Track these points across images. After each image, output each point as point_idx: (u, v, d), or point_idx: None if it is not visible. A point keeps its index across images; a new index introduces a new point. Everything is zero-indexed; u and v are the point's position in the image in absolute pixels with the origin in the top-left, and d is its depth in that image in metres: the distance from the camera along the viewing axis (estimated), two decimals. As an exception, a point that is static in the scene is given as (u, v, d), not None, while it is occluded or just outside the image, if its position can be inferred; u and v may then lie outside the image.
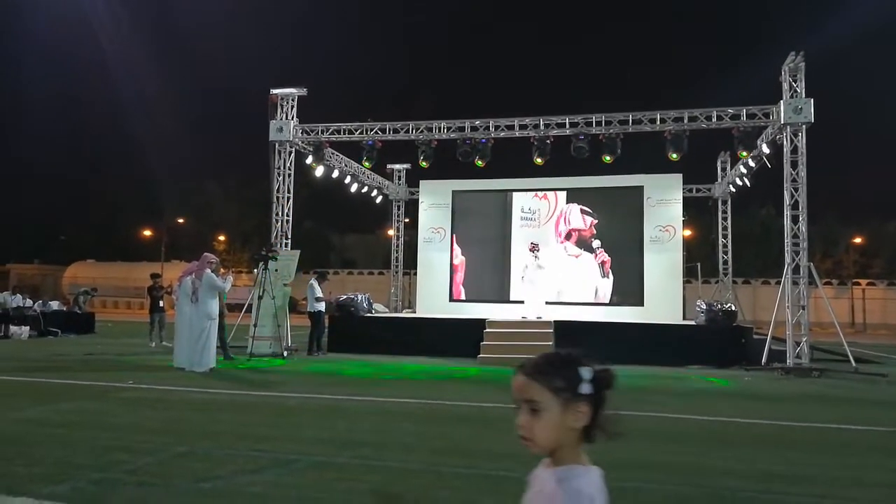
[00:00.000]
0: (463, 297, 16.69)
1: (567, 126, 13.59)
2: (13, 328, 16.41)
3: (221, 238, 47.10)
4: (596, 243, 16.08)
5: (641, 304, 15.42)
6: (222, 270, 10.90)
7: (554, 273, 15.93)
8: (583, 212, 16.28)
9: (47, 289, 32.04)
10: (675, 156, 13.10)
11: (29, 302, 18.40)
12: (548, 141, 13.71)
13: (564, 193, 16.48)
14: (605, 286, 15.89)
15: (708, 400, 8.39)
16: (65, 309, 19.83)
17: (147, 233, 47.51)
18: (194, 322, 10.19)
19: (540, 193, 16.63)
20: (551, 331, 12.81)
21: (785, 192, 12.03)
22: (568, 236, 16.29)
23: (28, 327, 16.78)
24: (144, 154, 68.70)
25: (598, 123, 13.39)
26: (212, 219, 48.39)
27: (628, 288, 15.71)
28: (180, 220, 47.20)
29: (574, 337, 12.70)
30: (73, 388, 8.28)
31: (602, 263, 16.00)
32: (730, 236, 18.43)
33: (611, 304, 15.66)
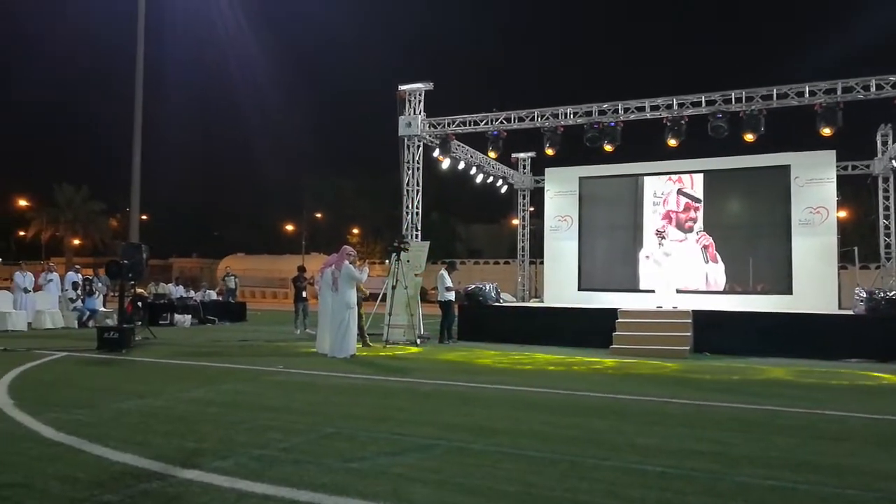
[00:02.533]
0: (592, 285, 16.34)
1: (703, 104, 12.87)
2: (177, 316, 18.16)
3: (355, 231, 49.33)
4: (698, 227, 15.23)
5: (790, 292, 14.30)
6: (359, 262, 11.41)
7: (673, 261, 15.23)
8: (685, 195, 15.46)
9: (205, 280, 35.13)
10: (827, 131, 12.02)
11: (191, 292, 20.28)
12: (682, 121, 13.06)
13: (701, 176, 15.63)
14: (716, 272, 15.01)
15: (872, 397, 7.66)
16: (219, 298, 21.67)
17: (289, 227, 50.72)
18: (335, 311, 10.77)
19: (674, 177, 15.89)
20: (689, 321, 12.24)
21: (963, 165, 10.69)
22: (672, 221, 15.57)
23: (190, 316, 18.50)
24: (285, 155, 73.29)
25: (738, 100, 12.56)
26: (346, 213, 50.77)
27: (774, 275, 14.65)
28: (318, 215, 49.95)
29: (715, 328, 12.08)
30: (231, 371, 9.04)
31: (705, 248, 15.10)
32: (893, 217, 16.65)
33: (754, 292, 14.68)
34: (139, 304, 16.37)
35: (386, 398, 7.02)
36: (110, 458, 4.38)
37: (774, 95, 12.39)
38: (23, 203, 51.42)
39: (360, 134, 78.38)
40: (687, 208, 15.58)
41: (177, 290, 19.92)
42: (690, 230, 15.48)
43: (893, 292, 12.11)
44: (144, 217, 30.02)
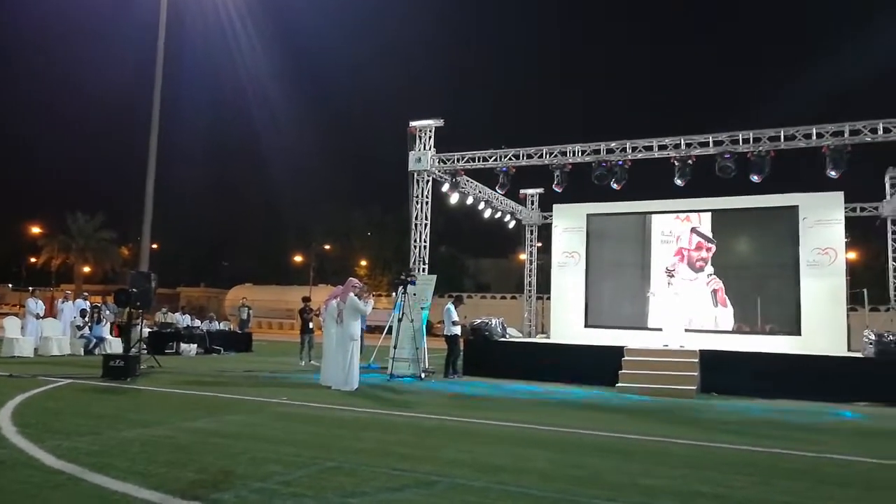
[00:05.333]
0: (599, 322, 16.27)
1: (711, 145, 12.97)
2: (183, 345, 18.18)
3: (363, 263, 49.47)
4: (709, 269, 15.20)
5: (798, 333, 14.17)
6: (365, 294, 11.45)
7: (689, 299, 15.18)
8: (699, 234, 15.46)
9: (212, 310, 35.23)
10: (834, 173, 12.07)
11: (196, 322, 20.33)
12: (689, 161, 13.15)
13: (709, 215, 15.65)
14: (724, 315, 14.92)
15: (879, 440, 7.55)
16: (231, 328, 21.75)
17: (298, 258, 50.94)
18: (340, 343, 10.78)
19: (682, 215, 15.93)
20: (696, 360, 12.15)
21: (971, 209, 10.68)
22: (684, 259, 15.55)
23: (195, 345, 18.52)
24: (296, 186, 74.03)
25: (746, 141, 12.66)
26: (354, 245, 51.02)
27: (782, 316, 14.55)
28: (327, 247, 50.18)
29: (722, 368, 11.98)
30: (235, 401, 9.02)
31: (714, 291, 15.04)
32: (903, 259, 16.57)
33: (762, 333, 14.57)
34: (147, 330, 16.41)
35: (388, 432, 6.98)
36: (111, 487, 4.38)
37: (782, 137, 12.49)
38: (35, 230, 51.99)
39: (370, 168, 79.32)
40: (699, 247, 15.57)
41: (183, 320, 19.98)
42: (701, 269, 15.43)
43: (903, 335, 12.00)
44: (155, 246, 30.26)
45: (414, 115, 15.12)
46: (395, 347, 13.11)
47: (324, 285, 41.07)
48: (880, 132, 11.76)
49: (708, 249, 15.45)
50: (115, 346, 16.27)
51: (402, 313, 13.08)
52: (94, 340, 16.87)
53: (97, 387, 10.23)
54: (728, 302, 15.03)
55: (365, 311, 11.15)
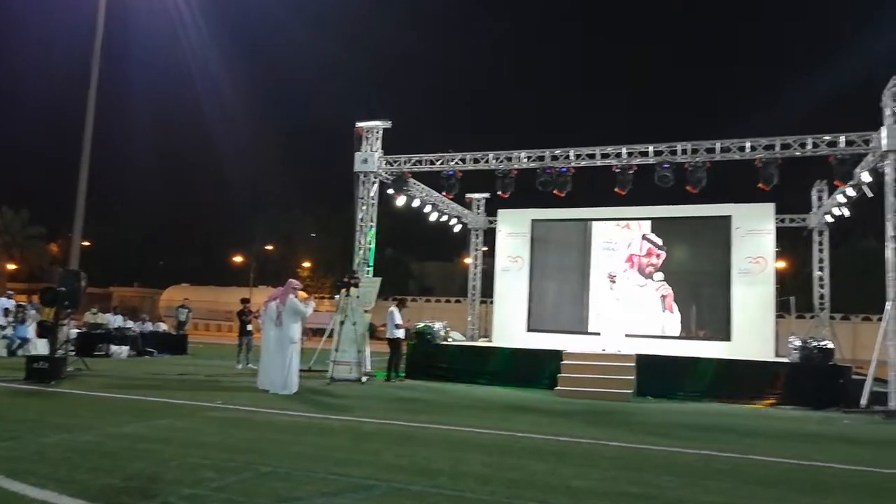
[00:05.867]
0: (540, 327, 16.49)
1: (651, 154, 13.34)
2: (114, 347, 17.50)
3: (306, 265, 48.74)
4: (658, 276, 15.66)
5: (729, 338, 14.72)
6: (302, 294, 11.29)
7: (630, 305, 15.57)
8: (649, 241, 15.92)
9: (145, 311, 34.06)
10: (765, 185, 12.59)
11: (129, 323, 19.60)
12: (630, 170, 13.49)
13: (648, 223, 16.11)
14: (672, 322, 15.38)
15: (801, 443, 7.90)
16: (168, 330, 21.08)
17: (238, 259, 49.80)
18: (279, 346, 10.58)
19: (622, 223, 16.33)
20: (633, 364, 12.45)
21: (887, 222, 11.30)
22: (634, 265, 15.96)
23: (127, 347, 17.85)
24: (236, 185, 72.31)
25: (684, 152, 13.08)
26: (297, 246, 50.23)
27: (715, 322, 15.08)
28: (269, 248, 49.22)
29: (657, 371, 12.32)
30: (167, 406, 8.73)
31: (663, 297, 15.51)
32: (826, 269, 17.40)
33: (695, 338, 15.06)
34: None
35: (326, 437, 6.89)
36: (30, 494, 4.18)
37: (718, 149, 12.96)
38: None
39: (316, 168, 78.22)
40: (649, 254, 15.97)
41: (115, 320, 19.23)
42: (651, 276, 15.84)
43: (825, 342, 12.62)
44: (87, 243, 29.04)
45: (361, 115, 15.01)
46: (336, 350, 12.95)
47: (264, 287, 40.26)
48: (809, 147, 12.33)
49: (658, 256, 15.87)
50: (40, 347, 15.52)
51: (345, 316, 12.94)
52: (18, 341, 16.05)
53: (20, 390, 9.75)
54: (675, 308, 15.45)
55: (305, 313, 10.99)
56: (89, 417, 7.39)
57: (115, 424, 6.97)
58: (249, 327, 15.92)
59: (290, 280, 11.44)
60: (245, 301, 16.57)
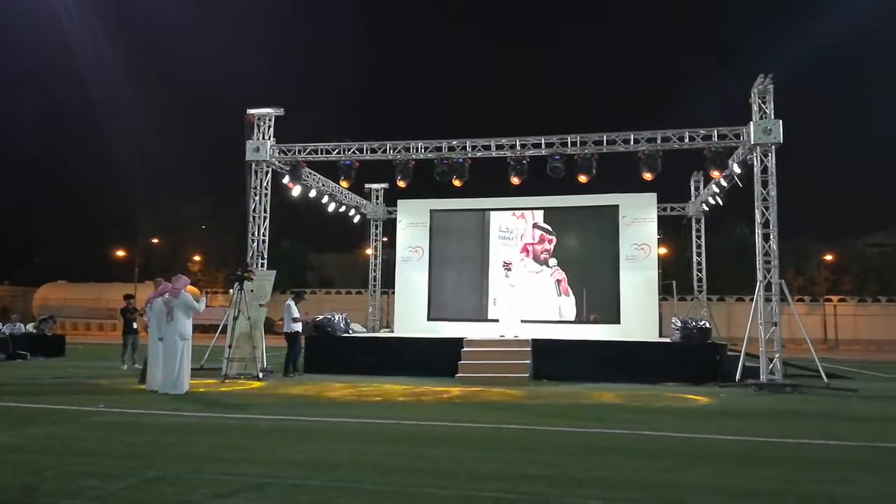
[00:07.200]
0: (441, 315, 16.67)
1: (543, 146, 13.73)
2: (-20, 351, 16.01)
3: (196, 258, 46.57)
4: (552, 261, 16.28)
5: (618, 321, 15.54)
6: (192, 290, 10.80)
7: (525, 291, 16.06)
8: (540, 228, 16.50)
9: (18, 311, 31.39)
10: (648, 175, 13.29)
11: (-2, 324, 17.99)
12: (524, 161, 13.83)
13: (542, 212, 16.65)
14: (567, 304, 16.03)
15: (683, 417, 8.44)
16: (45, 331, 19.44)
17: (120, 253, 46.86)
18: (168, 343, 10.05)
19: (518, 212, 16.77)
20: (529, 349, 12.83)
21: (756, 210, 12.25)
22: (529, 254, 16.51)
23: (-5, 350, 16.38)
24: (118, 174, 67.94)
25: (574, 144, 13.56)
26: (187, 239, 47.85)
27: (605, 306, 15.83)
28: (154, 241, 46.60)
29: (552, 355, 12.77)
30: (42, 412, 8.10)
31: (558, 282, 16.17)
32: (704, 254, 18.66)
33: (587, 322, 15.76)
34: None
35: (219, 436, 6.62)
36: None
37: (604, 141, 13.52)
38: None
39: (205, 157, 74.85)
40: (542, 240, 16.51)
41: (-19, 322, 17.59)
42: (546, 262, 16.36)
43: (703, 322, 13.55)
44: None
45: (252, 102, 14.47)
46: (230, 347, 12.48)
47: (151, 282, 38.19)
48: (686, 140, 13.12)
49: (550, 241, 16.45)
50: None
51: (238, 311, 12.48)
52: None
53: None
54: (570, 292, 16.09)
55: (198, 308, 10.49)
56: (-51, 430, 6.71)
57: (-20, 436, 6.37)
58: (135, 325, 15.03)
59: (179, 275, 10.88)
60: (129, 297, 15.60)
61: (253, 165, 14.36)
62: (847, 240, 45.55)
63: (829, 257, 41.90)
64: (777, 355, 11.70)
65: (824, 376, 11.69)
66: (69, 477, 4.74)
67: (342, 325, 14.79)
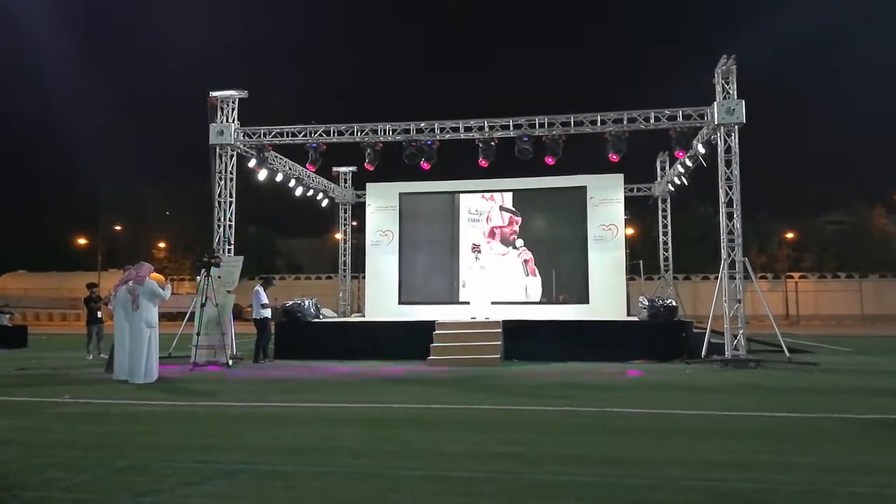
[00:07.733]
0: (412, 299, 16.68)
1: (511, 128, 13.74)
2: (-63, 344, 15.53)
3: (162, 245, 45.74)
4: (519, 242, 16.42)
5: (587, 301, 15.73)
6: (157, 277, 10.62)
7: (494, 273, 16.17)
8: (506, 210, 16.62)
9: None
10: (615, 156, 13.40)
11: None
12: (492, 143, 13.82)
13: (511, 194, 16.70)
14: (534, 284, 16.20)
15: (650, 393, 8.61)
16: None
17: (82, 241, 45.78)
18: (133, 332, 9.87)
19: (487, 195, 16.79)
20: (500, 330, 12.92)
21: (720, 190, 12.46)
22: (493, 235, 16.62)
23: (-46, 343, 15.91)
24: (79, 160, 66.19)
25: (542, 125, 13.59)
26: (151, 225, 46.91)
27: (574, 286, 16.01)
28: (117, 228, 45.60)
29: (522, 336, 12.88)
30: (4, 404, 7.91)
31: (525, 262, 16.32)
32: (670, 234, 18.95)
33: (556, 302, 15.93)
34: None
35: (190, 424, 6.55)
36: None
37: (572, 122, 13.57)
38: None
39: (168, 141, 73.24)
40: (510, 222, 16.60)
41: (-63, 314, 17.05)
42: (513, 243, 16.47)
43: (670, 300, 13.79)
44: None
45: (216, 84, 14.16)
46: (198, 334, 12.32)
47: (115, 270, 37.35)
48: (652, 121, 13.25)
49: (516, 222, 16.55)
50: None
51: (206, 298, 12.32)
52: None
53: None
54: (538, 272, 16.24)
55: (164, 296, 10.31)
56: None
57: (-61, 430, 6.20)
58: (99, 314, 14.72)
59: (143, 262, 10.67)
60: (92, 286, 15.27)
61: (217, 149, 14.11)
62: (807, 217, 46.80)
63: (790, 235, 42.95)
64: (741, 332, 11.99)
65: (786, 351, 12.03)
66: (35, 469, 4.65)
67: (312, 310, 14.70)
